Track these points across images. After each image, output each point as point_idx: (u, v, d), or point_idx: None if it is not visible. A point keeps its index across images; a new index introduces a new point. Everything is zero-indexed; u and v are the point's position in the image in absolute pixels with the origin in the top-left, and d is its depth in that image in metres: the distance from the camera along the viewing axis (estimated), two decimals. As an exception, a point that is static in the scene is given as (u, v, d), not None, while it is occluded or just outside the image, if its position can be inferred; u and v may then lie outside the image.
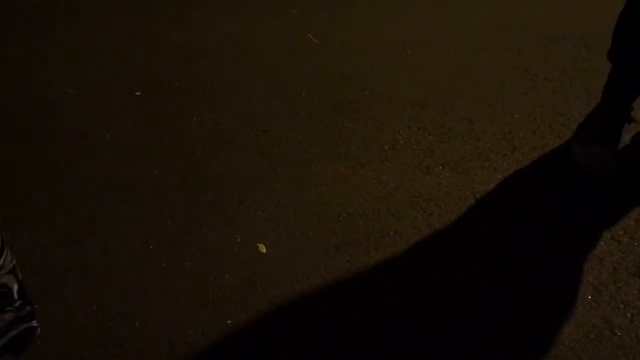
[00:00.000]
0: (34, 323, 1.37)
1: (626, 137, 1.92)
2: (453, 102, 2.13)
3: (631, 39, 1.75)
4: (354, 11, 2.75)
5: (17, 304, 1.32)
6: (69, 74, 2.35)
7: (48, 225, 1.70)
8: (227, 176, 1.85)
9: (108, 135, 2.03)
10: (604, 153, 1.78)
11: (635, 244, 1.60)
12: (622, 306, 1.45)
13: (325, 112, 2.11)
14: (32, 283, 1.52)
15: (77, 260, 1.60)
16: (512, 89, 2.17)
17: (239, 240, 1.64)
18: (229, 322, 1.44)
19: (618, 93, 1.84)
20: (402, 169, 1.86)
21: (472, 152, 1.91)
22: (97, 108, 2.17)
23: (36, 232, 1.68)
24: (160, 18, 2.70)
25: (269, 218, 1.70)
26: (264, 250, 1.61)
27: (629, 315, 1.43)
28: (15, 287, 1.32)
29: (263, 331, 1.42)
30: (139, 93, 2.23)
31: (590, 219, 1.68)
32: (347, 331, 1.42)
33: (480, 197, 1.76)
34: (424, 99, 2.15)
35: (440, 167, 1.86)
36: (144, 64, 2.40)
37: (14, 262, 1.32)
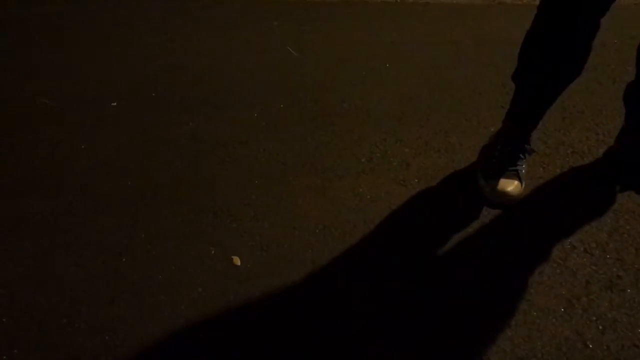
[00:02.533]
0: None
1: (600, 151, 1.95)
2: (430, 116, 2.14)
3: (535, 64, 1.72)
4: (334, 25, 2.77)
5: None
6: (45, 85, 2.33)
7: (20, 236, 1.67)
8: (203, 188, 1.84)
9: (83, 146, 2.01)
10: (507, 185, 1.75)
11: (608, 256, 1.61)
12: (594, 318, 1.46)
13: (303, 124, 2.11)
14: (2, 295, 1.50)
15: (49, 273, 1.57)
16: (489, 103, 2.19)
17: (213, 252, 1.62)
18: (202, 335, 1.42)
19: (519, 117, 1.83)
20: (378, 181, 1.86)
21: (448, 165, 1.92)
22: (73, 118, 2.15)
23: (7, 243, 1.66)
24: (140, 29, 2.70)
25: (245, 230, 1.69)
26: (239, 263, 1.60)
27: (600, 327, 1.44)
28: None
29: (236, 344, 1.41)
30: (114, 104, 2.21)
31: (564, 232, 1.69)
32: (323, 344, 1.41)
33: (455, 210, 1.77)
34: (401, 112, 2.16)
35: (416, 180, 1.86)
36: (122, 75, 2.38)
37: None
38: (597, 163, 1.91)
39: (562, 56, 1.64)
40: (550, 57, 1.66)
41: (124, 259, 1.60)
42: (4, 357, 1.36)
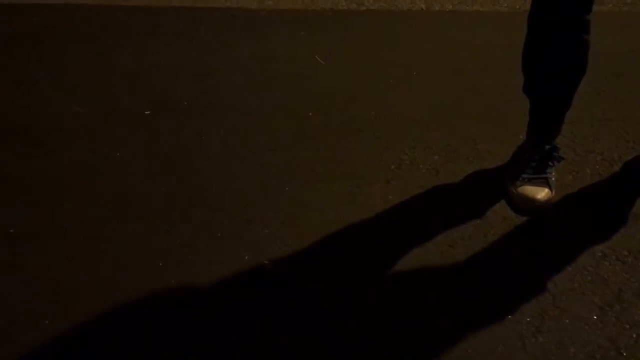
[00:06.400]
0: None
1: (630, 158, 1.94)
2: (458, 123, 2.15)
3: (536, 71, 1.75)
4: (360, 33, 2.79)
5: None
6: (79, 93, 2.39)
7: (58, 242, 1.72)
8: (235, 194, 1.87)
9: (118, 154, 2.06)
10: (535, 193, 1.75)
11: (640, 264, 1.61)
12: (628, 326, 1.45)
13: (332, 131, 2.14)
14: (43, 299, 1.54)
15: (88, 277, 1.61)
16: (517, 110, 2.19)
17: (246, 258, 1.65)
18: (236, 342, 1.45)
19: (539, 126, 1.84)
20: (407, 188, 1.88)
21: (477, 172, 1.93)
22: (107, 127, 2.20)
23: (47, 249, 1.70)
24: (170, 39, 2.75)
25: (276, 236, 1.72)
26: (271, 269, 1.62)
27: (634, 335, 1.43)
28: None
29: (270, 350, 1.43)
30: (148, 112, 2.26)
31: (594, 240, 1.69)
32: (353, 350, 1.42)
33: (485, 217, 1.77)
34: (429, 119, 2.17)
35: (445, 187, 1.87)
36: (154, 84, 2.43)
37: None
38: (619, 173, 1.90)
39: (559, 59, 1.69)
40: (549, 62, 1.70)
41: (160, 264, 1.64)
42: None
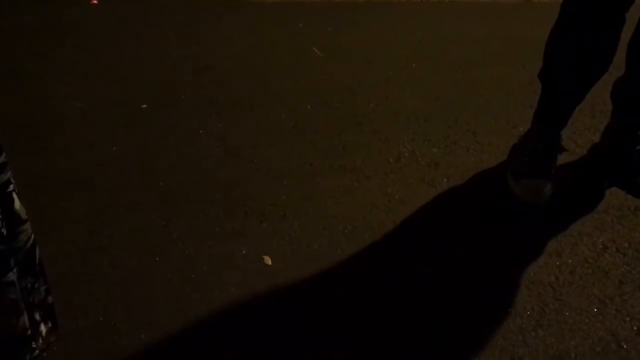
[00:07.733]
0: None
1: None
2: (457, 115, 2.14)
3: (561, 60, 1.71)
4: (359, 25, 2.77)
5: None
6: (76, 88, 2.37)
7: (56, 237, 1.71)
8: (233, 188, 1.86)
9: (114, 148, 2.05)
10: (538, 185, 1.73)
11: (641, 256, 1.60)
12: (628, 319, 1.45)
13: (330, 125, 2.13)
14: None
15: (85, 272, 1.60)
16: (517, 102, 2.18)
17: (244, 252, 1.64)
18: (235, 335, 1.44)
19: (548, 116, 1.81)
20: (407, 181, 1.87)
21: (477, 165, 1.92)
22: (104, 121, 2.19)
23: (45, 244, 1.69)
24: (167, 33, 2.73)
25: (275, 230, 1.71)
26: (270, 263, 1.61)
27: (635, 328, 1.43)
28: None
29: (269, 344, 1.43)
30: (145, 106, 2.25)
31: (595, 232, 1.68)
32: (353, 343, 1.42)
33: (485, 210, 1.76)
34: (428, 112, 2.16)
35: (445, 180, 1.86)
36: (151, 78, 2.42)
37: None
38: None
39: (588, 53, 1.64)
40: (577, 54, 1.66)
41: (157, 259, 1.63)
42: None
